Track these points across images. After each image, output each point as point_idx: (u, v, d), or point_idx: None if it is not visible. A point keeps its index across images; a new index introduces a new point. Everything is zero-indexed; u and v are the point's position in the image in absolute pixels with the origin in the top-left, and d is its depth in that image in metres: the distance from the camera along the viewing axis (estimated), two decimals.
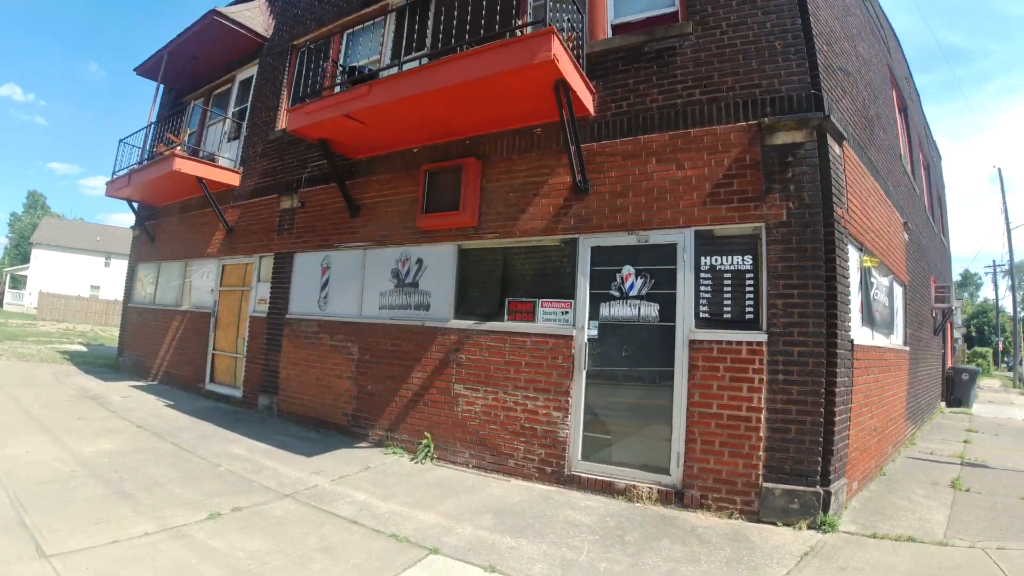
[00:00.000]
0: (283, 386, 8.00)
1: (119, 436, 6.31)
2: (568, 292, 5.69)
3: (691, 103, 5.36)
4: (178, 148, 9.52)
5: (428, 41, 7.60)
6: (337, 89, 7.19)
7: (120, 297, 43.65)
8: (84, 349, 15.61)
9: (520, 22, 6.84)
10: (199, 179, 8.85)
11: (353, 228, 7.56)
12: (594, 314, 5.52)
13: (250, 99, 10.01)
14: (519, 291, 6.09)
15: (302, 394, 7.72)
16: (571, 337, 5.52)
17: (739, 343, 4.73)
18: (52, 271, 45.69)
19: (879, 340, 6.66)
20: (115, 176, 10.59)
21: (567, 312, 5.67)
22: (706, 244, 5.08)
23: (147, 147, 10.31)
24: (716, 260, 5.02)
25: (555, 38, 4.90)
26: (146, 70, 11.48)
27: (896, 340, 7.73)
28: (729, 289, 4.95)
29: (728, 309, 4.92)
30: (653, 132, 5.49)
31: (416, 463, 6.04)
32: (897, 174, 8.93)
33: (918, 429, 9.05)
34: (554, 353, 5.60)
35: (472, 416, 5.97)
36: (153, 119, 10.47)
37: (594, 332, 5.50)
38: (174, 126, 10.83)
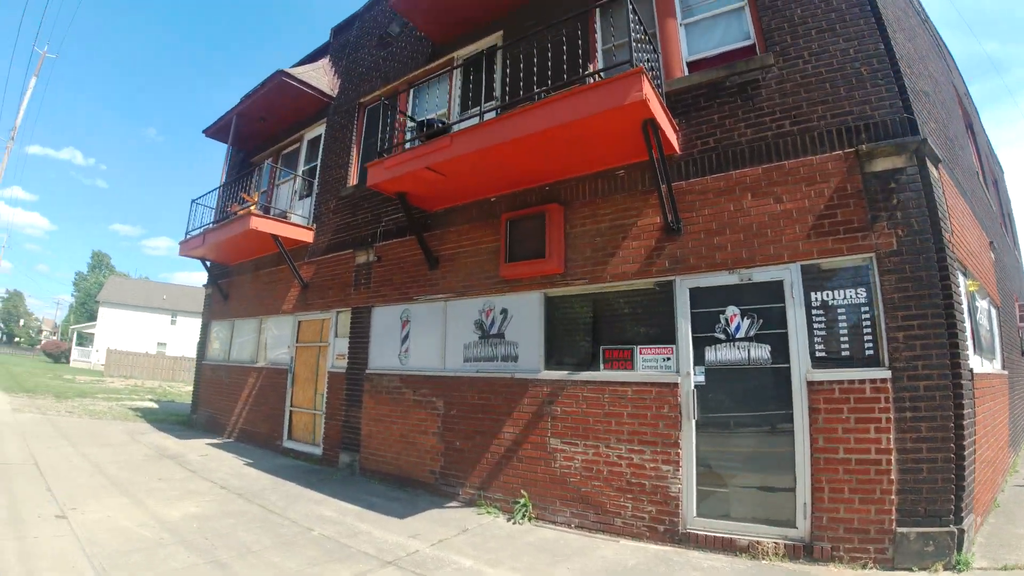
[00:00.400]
0: (365, 443, 7.86)
1: (203, 498, 6.25)
2: (667, 337, 5.44)
3: (782, 135, 5.23)
4: (252, 207, 9.78)
5: (496, 92, 7.68)
6: (411, 144, 7.28)
7: (187, 353, 44.20)
8: (155, 406, 15.97)
9: (592, 67, 6.81)
10: (274, 237, 9.03)
11: (432, 280, 7.50)
12: (699, 359, 5.24)
13: (319, 157, 10.27)
14: (613, 338, 5.86)
15: (385, 451, 7.56)
16: (676, 384, 5.26)
17: (862, 381, 4.46)
18: (119, 328, 47.01)
19: (986, 366, 6.26)
20: (188, 236, 10.95)
21: (668, 358, 5.41)
22: (814, 279, 4.85)
23: (219, 207, 10.63)
24: (827, 295, 4.79)
25: (644, 78, 4.82)
26: (215, 132, 12.01)
27: (996, 365, 7.20)
28: (844, 325, 4.70)
29: (846, 346, 4.66)
30: (744, 167, 5.34)
31: (514, 524, 5.74)
32: (978, 192, 8.48)
33: (1016, 455, 8.28)
34: (659, 402, 5.32)
35: (571, 472, 5.68)
36: (223, 180, 10.84)
37: (701, 378, 5.20)
38: (244, 186, 11.23)
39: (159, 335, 50.11)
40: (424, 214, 7.69)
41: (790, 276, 4.91)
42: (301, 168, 10.64)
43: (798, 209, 4.97)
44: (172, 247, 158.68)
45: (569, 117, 5.16)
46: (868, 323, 4.58)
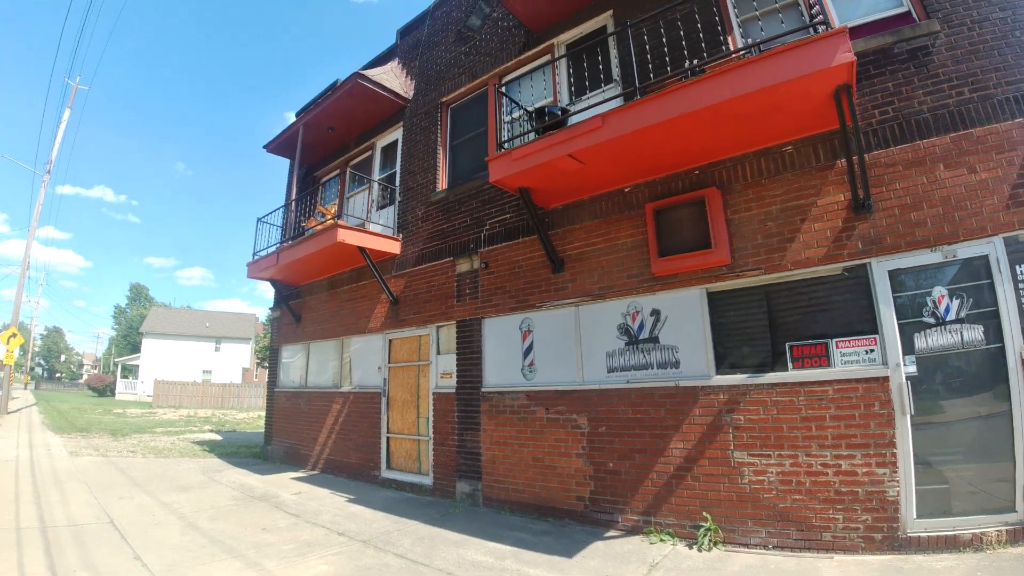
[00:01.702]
0: (487, 469, 7.06)
1: (326, 551, 5.41)
2: (866, 326, 4.86)
3: (963, 102, 4.85)
4: (334, 219, 9.14)
5: (616, 74, 7.01)
6: (528, 136, 6.60)
7: (233, 379, 44.17)
8: (218, 437, 15.30)
9: (731, 39, 6.15)
10: (361, 249, 8.35)
11: (558, 284, 6.76)
12: (908, 347, 4.68)
13: (398, 164, 9.64)
14: (800, 333, 5.15)
15: (515, 477, 6.76)
16: (885, 379, 4.65)
17: None
18: (163, 358, 47.69)
19: None
20: (257, 256, 10.32)
21: (872, 350, 4.79)
22: (1015, 252, 4.48)
23: (291, 224, 9.99)
24: None
25: (847, 38, 4.20)
26: (277, 146, 11.46)
27: None
28: None
29: None
30: (931, 136, 4.90)
31: (701, 551, 5.02)
32: None
33: None
34: (867, 400, 4.69)
35: (764, 487, 5.00)
36: (292, 196, 10.21)
37: (912, 368, 4.64)
38: (311, 201, 10.61)
39: (204, 363, 50.73)
40: (541, 212, 6.96)
41: (995, 250, 4.53)
42: (376, 177, 9.98)
43: (993, 179, 4.59)
44: (206, 276, 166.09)
45: (759, 84, 4.50)
46: None
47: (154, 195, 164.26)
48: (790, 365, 5.11)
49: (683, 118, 4.96)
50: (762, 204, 5.48)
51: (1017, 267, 4.44)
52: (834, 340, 4.96)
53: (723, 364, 5.50)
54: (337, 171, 11.41)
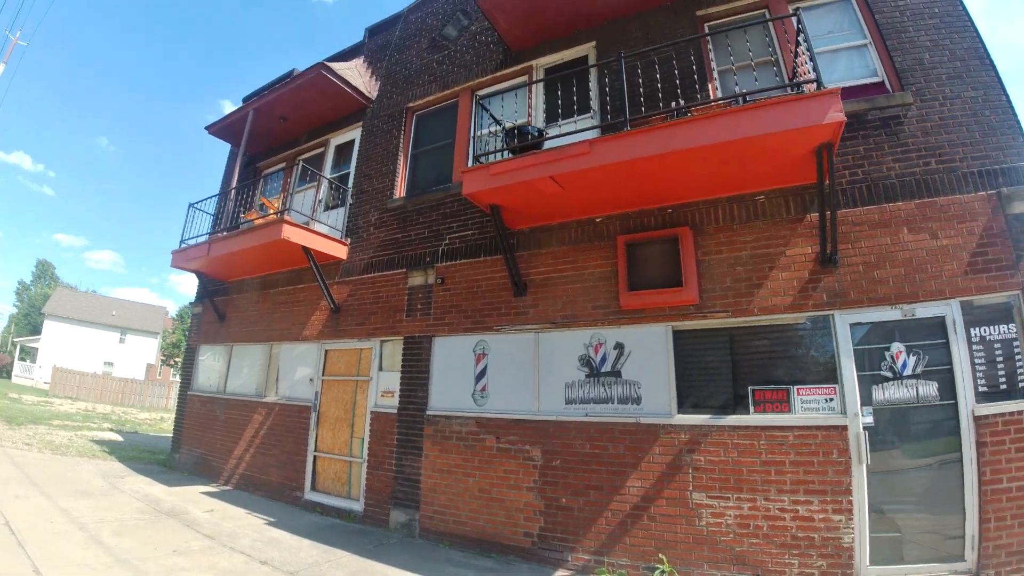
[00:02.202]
0: (427, 499, 6.63)
1: None
2: (827, 376, 5.02)
3: (929, 171, 5.21)
4: (281, 213, 8.47)
5: (594, 104, 7.01)
6: (503, 154, 6.41)
7: (136, 375, 40.12)
8: (119, 438, 13.71)
9: (711, 87, 6.36)
10: (305, 250, 7.74)
11: (519, 308, 6.54)
12: (866, 398, 4.87)
13: (353, 164, 9.12)
14: (763, 378, 5.24)
15: (458, 509, 6.38)
16: (844, 427, 4.80)
17: (1020, 412, 4.46)
18: (64, 344, 43.94)
19: None
20: (185, 245, 9.36)
21: (831, 399, 4.95)
22: (969, 314, 4.82)
23: (228, 214, 9.16)
24: (984, 330, 4.76)
25: (839, 98, 4.41)
26: (221, 129, 10.57)
27: None
28: (1001, 359, 4.69)
29: (1003, 379, 4.65)
30: (897, 201, 5.22)
31: None
32: None
33: None
34: (826, 447, 4.81)
35: (722, 530, 4.98)
36: (234, 184, 9.39)
37: (869, 419, 4.82)
38: (250, 194, 9.83)
39: (106, 354, 47.05)
40: (506, 232, 6.73)
41: (951, 312, 4.82)
42: (327, 176, 9.38)
43: (953, 246, 4.92)
44: (116, 261, 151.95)
45: (751, 132, 4.64)
46: (1020, 356, 4.64)
47: (72, 168, 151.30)
48: (752, 408, 5.17)
49: (670, 155, 5.00)
50: (733, 248, 5.59)
51: (972, 329, 4.75)
52: (795, 387, 5.08)
53: (685, 403, 5.50)
54: (283, 164, 10.65)
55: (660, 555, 5.12)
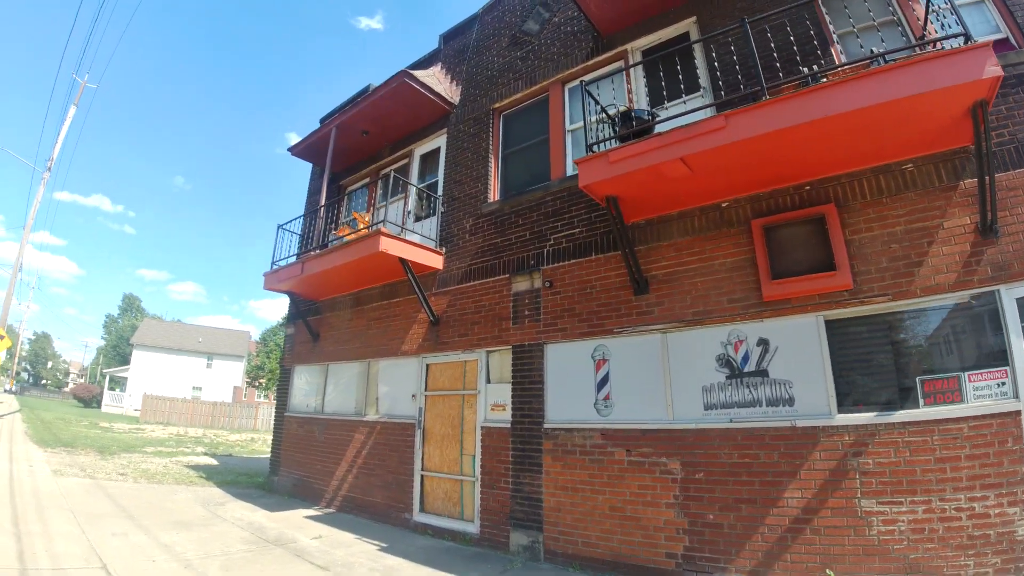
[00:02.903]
0: (551, 519, 6.19)
1: None
2: (996, 358, 4.43)
3: None
4: (361, 228, 8.40)
5: (704, 82, 6.50)
6: (611, 142, 5.98)
7: (224, 398, 42.97)
8: (214, 462, 14.11)
9: (834, 52, 5.80)
10: (403, 262, 7.56)
11: (641, 307, 6.06)
12: None
13: (441, 172, 8.97)
14: (928, 366, 4.70)
15: (587, 529, 5.90)
16: (1017, 412, 4.26)
17: None
18: (152, 372, 46.20)
19: None
20: (276, 266, 9.44)
21: (1003, 383, 4.38)
22: None
23: (317, 234, 9.19)
24: None
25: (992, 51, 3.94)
26: (303, 150, 10.77)
27: None
28: None
29: None
30: None
31: None
32: None
33: None
34: (1000, 436, 4.29)
35: (895, 538, 4.46)
36: (323, 202, 9.43)
37: None
38: (335, 212, 9.86)
39: (194, 379, 49.86)
40: (624, 226, 6.28)
41: None
42: (412, 191, 9.27)
43: None
44: (197, 291, 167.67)
45: (903, 92, 4.13)
46: None
47: (151, 207, 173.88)
48: (921, 401, 4.62)
49: (818, 123, 4.49)
50: (884, 224, 5.02)
51: None
52: (966, 373, 4.52)
53: (846, 401, 4.91)
54: (366, 180, 10.70)
55: (827, 571, 4.59)
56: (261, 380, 53.16)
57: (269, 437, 26.76)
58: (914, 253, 4.84)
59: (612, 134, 6.04)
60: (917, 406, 4.62)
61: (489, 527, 6.73)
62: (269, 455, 16.14)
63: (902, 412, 4.65)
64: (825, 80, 4.86)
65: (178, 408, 32.59)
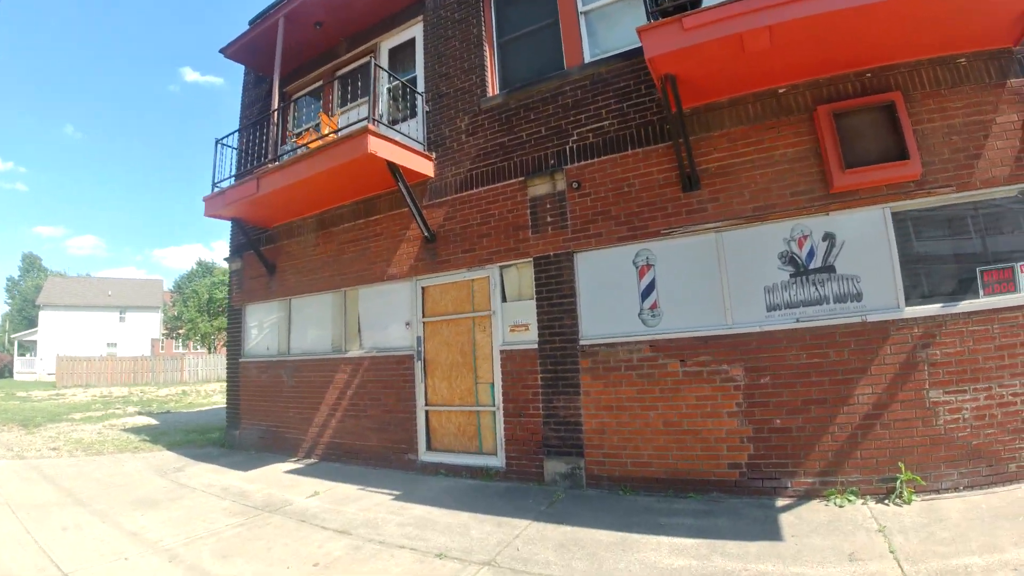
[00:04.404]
0: (593, 442, 5.91)
1: None
2: None
3: None
4: (327, 134, 7.36)
5: None
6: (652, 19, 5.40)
7: (143, 351, 42.35)
8: (154, 421, 12.90)
9: None
10: (394, 168, 6.68)
11: (692, 205, 5.72)
12: None
13: (421, 66, 8.01)
14: (986, 257, 4.91)
15: (637, 449, 5.69)
16: None
17: None
18: (63, 332, 45.49)
19: None
20: (219, 188, 8.16)
21: None
22: None
23: (257, 147, 7.97)
24: None
25: None
26: (240, 49, 9.28)
27: None
28: None
29: None
30: None
31: (902, 506, 4.58)
32: None
33: None
34: None
35: (959, 426, 4.72)
36: (275, 106, 8.13)
37: None
38: (281, 123, 8.62)
39: (108, 335, 49.00)
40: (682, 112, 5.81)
41: None
42: (382, 86, 8.19)
43: None
44: (97, 244, 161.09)
45: None
46: None
47: (42, 160, 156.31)
48: (981, 292, 4.86)
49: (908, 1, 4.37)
50: (945, 116, 5.07)
51: None
52: (1019, 264, 4.81)
53: (913, 294, 5.02)
54: (317, 84, 9.43)
55: (899, 463, 4.75)
56: (180, 331, 52.41)
57: (201, 388, 25.67)
58: (972, 146, 4.95)
59: (654, 5, 5.44)
60: (977, 296, 4.84)
61: (517, 458, 6.34)
62: (210, 408, 14.90)
63: (965, 302, 4.83)
64: None
65: (96, 368, 31.35)
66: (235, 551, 4.66)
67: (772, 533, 4.35)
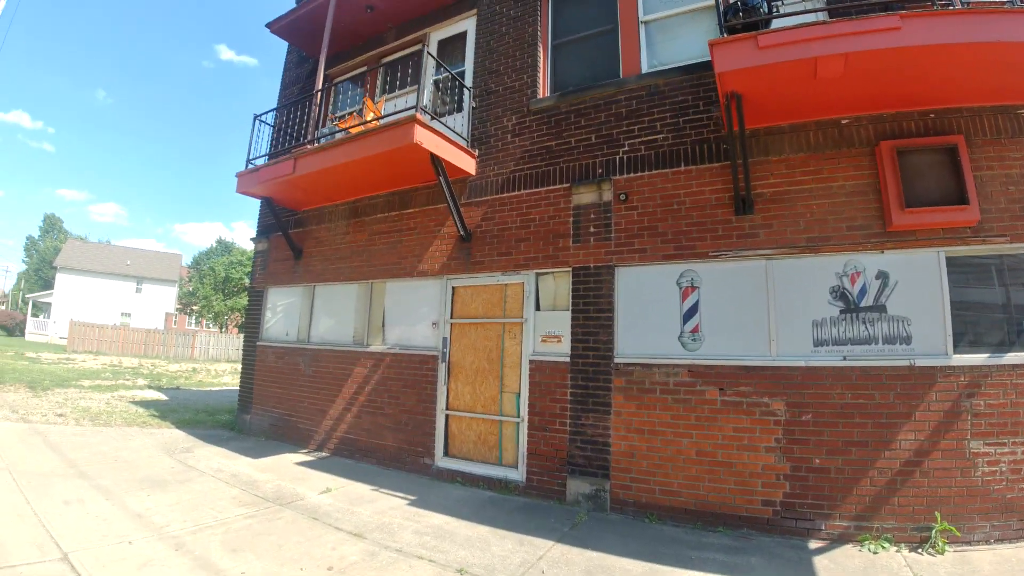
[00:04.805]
0: (620, 464, 5.81)
1: None
2: None
3: None
4: (371, 120, 7.30)
5: None
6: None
7: (156, 324, 43.67)
8: (163, 397, 12.90)
9: None
10: (436, 161, 6.61)
11: (743, 229, 5.61)
12: None
13: (470, 61, 7.94)
14: None
15: (668, 476, 5.59)
16: None
17: None
18: (78, 297, 45.82)
19: None
20: (254, 164, 8.15)
21: None
22: None
23: (292, 129, 7.93)
24: None
25: None
26: (287, 26, 9.24)
27: None
28: None
29: None
30: None
31: (935, 556, 4.55)
32: None
33: None
34: None
35: (996, 479, 4.71)
36: (319, 86, 8.09)
37: None
38: (322, 106, 8.57)
39: (123, 304, 49.59)
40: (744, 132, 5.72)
41: None
42: (429, 78, 8.12)
43: None
44: (119, 213, 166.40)
45: None
46: None
47: (71, 123, 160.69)
48: None
49: (984, 46, 4.37)
50: (1003, 165, 5.08)
51: None
52: None
53: (961, 341, 4.99)
54: (361, 69, 9.39)
55: (935, 513, 4.72)
56: (194, 307, 52.92)
57: (212, 367, 25.84)
58: None
59: (722, 21, 5.34)
60: (1022, 349, 4.84)
61: (539, 474, 6.25)
62: (220, 388, 14.94)
63: (1011, 355, 4.83)
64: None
65: (108, 336, 31.60)
66: (245, 545, 4.58)
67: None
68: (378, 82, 9.02)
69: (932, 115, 5.26)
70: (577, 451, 6.06)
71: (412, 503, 5.97)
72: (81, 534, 4.49)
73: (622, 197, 6.24)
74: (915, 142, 5.19)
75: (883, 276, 5.18)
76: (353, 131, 7.41)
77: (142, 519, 4.96)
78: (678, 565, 4.47)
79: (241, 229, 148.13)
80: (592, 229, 6.37)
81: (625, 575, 4.29)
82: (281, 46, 10.61)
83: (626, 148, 6.36)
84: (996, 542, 4.66)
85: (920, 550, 4.62)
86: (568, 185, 6.61)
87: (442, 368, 7.17)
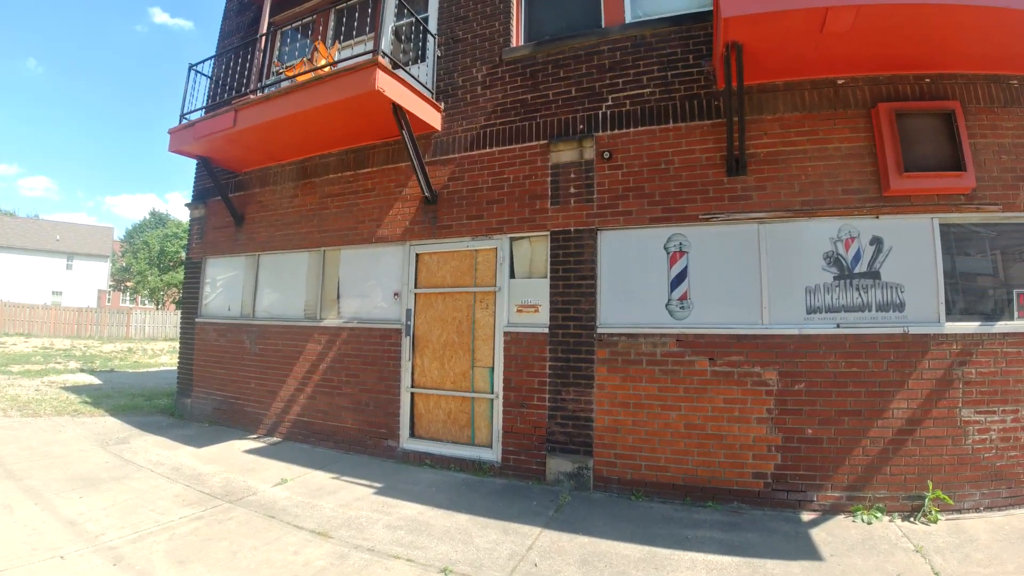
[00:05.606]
0: (604, 440, 5.66)
1: None
2: None
3: None
4: (323, 66, 6.74)
5: None
6: None
7: (89, 303, 41.13)
8: (96, 380, 12.06)
9: None
10: (399, 112, 6.16)
11: (735, 191, 5.48)
12: None
13: (434, 5, 7.37)
14: (1021, 280, 5.09)
15: (653, 451, 5.48)
16: None
17: None
18: (6, 276, 45.23)
19: None
20: (189, 119, 7.40)
21: None
22: None
23: (232, 79, 7.24)
24: None
25: None
26: None
27: None
28: None
29: None
30: None
31: (929, 524, 4.64)
32: None
33: None
34: None
35: (986, 447, 4.89)
36: (263, 30, 7.36)
37: None
38: (264, 56, 7.88)
39: (53, 283, 48.77)
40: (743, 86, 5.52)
41: None
42: (388, 25, 7.54)
43: None
44: (49, 186, 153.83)
45: None
46: None
47: (0, 94, 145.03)
48: (1016, 314, 5.04)
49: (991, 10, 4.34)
50: (996, 134, 5.20)
51: None
52: None
53: (954, 309, 5.12)
54: (309, 16, 8.61)
55: (927, 482, 4.83)
56: (128, 283, 51.16)
57: (148, 347, 24.74)
58: (1020, 167, 5.11)
59: None
60: (1013, 318, 5.02)
61: (515, 453, 6.03)
62: (157, 369, 14.24)
63: (1002, 323, 5.00)
64: None
65: (39, 316, 30.70)
66: (193, 554, 4.07)
67: (809, 552, 4.24)
68: (330, 29, 8.36)
69: (927, 79, 5.30)
70: (557, 428, 5.86)
71: (379, 491, 5.62)
72: (9, 548, 3.94)
73: (605, 155, 5.98)
74: (913, 105, 5.21)
75: (877, 242, 5.19)
76: (302, 79, 6.79)
77: (75, 527, 4.42)
78: (676, 546, 4.35)
79: (176, 200, 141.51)
80: (572, 190, 6.09)
81: (624, 562, 4.12)
82: (218, 6, 9.70)
83: (609, 103, 6.08)
84: (985, 509, 4.81)
85: (913, 519, 4.73)
86: (546, 142, 6.30)
87: (406, 342, 6.79)
